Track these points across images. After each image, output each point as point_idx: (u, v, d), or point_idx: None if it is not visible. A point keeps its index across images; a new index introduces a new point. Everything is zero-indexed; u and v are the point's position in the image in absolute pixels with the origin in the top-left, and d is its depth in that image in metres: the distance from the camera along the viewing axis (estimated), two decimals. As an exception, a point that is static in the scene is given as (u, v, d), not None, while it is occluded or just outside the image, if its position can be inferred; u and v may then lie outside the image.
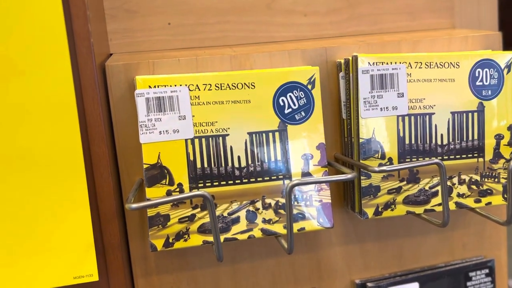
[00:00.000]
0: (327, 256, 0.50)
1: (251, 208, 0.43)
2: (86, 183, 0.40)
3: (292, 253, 0.49)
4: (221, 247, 0.38)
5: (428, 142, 0.46)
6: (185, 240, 0.42)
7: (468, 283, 0.53)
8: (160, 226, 0.41)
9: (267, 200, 0.43)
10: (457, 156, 0.47)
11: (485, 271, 0.54)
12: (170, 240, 0.42)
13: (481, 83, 0.47)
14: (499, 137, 0.48)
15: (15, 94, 0.37)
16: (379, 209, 0.45)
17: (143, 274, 0.46)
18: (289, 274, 0.50)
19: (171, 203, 0.41)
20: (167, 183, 0.41)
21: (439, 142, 0.46)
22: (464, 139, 0.47)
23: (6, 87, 0.37)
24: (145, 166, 0.41)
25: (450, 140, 0.47)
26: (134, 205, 0.35)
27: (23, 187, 0.38)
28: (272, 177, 0.43)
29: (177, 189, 0.41)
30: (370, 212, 0.45)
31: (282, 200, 0.44)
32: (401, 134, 0.45)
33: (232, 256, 0.48)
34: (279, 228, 0.44)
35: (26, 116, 0.38)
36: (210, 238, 0.42)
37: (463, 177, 0.47)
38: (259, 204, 0.43)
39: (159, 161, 0.41)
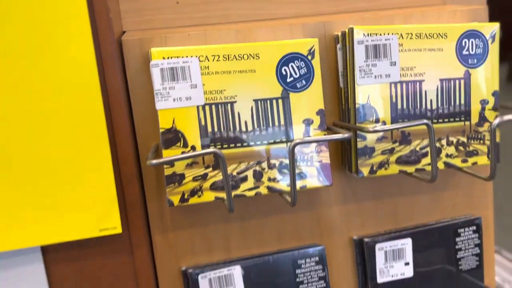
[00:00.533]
0: (327, 214, 0.55)
1: (257, 168, 0.47)
2: (109, 147, 0.44)
3: (295, 212, 0.54)
4: (232, 199, 0.43)
5: (418, 107, 0.50)
6: (199, 196, 0.46)
7: (457, 239, 0.58)
8: (176, 184, 0.46)
9: (272, 161, 0.48)
10: (445, 120, 0.51)
11: (473, 228, 0.58)
12: (185, 197, 0.46)
13: (467, 53, 0.51)
14: (484, 102, 0.52)
15: (43, 67, 0.41)
16: (374, 168, 0.50)
17: (160, 231, 0.51)
18: (293, 231, 0.54)
19: (186, 164, 0.46)
20: (181, 146, 0.46)
21: (428, 107, 0.50)
22: (452, 104, 0.51)
23: (35, 61, 0.41)
24: (161, 130, 0.45)
25: (439, 105, 0.51)
26: (154, 161, 0.40)
27: (57, 150, 0.42)
28: (276, 141, 0.48)
29: (191, 151, 0.46)
30: (365, 171, 0.50)
31: (286, 161, 0.48)
32: (394, 100, 0.50)
33: (241, 213, 0.52)
34: (283, 186, 0.48)
35: (55, 87, 0.42)
36: (221, 194, 0.47)
37: (451, 139, 0.51)
38: (264, 165, 0.48)
39: (173, 125, 0.46)
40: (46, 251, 0.45)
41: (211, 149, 0.41)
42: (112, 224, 0.44)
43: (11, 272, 0.45)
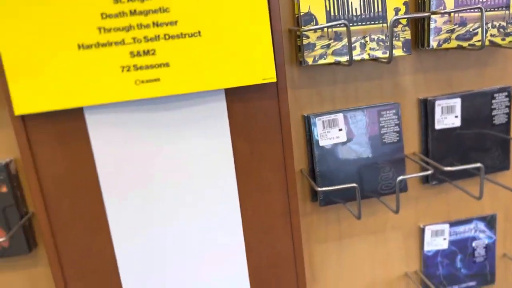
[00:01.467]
0: (402, 81, 0.78)
1: (362, 41, 0.70)
2: (268, 23, 0.67)
3: (380, 79, 0.77)
4: (352, 55, 0.66)
5: (473, -1, 0.72)
6: (324, 59, 0.70)
7: (493, 101, 0.81)
8: (310, 50, 0.69)
9: (372, 36, 0.71)
10: (491, 9, 0.72)
11: (505, 93, 0.81)
12: (316, 59, 0.70)
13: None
14: (520, -4, 0.73)
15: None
16: (440, 43, 0.72)
17: (291, 87, 0.75)
18: (378, 92, 0.78)
19: (316, 36, 0.69)
20: (314, 24, 0.69)
21: (481, -1, 0.72)
22: (497, -3, 0.72)
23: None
24: (301, 13, 0.68)
25: (488, -2, 0.72)
26: (306, 28, 0.63)
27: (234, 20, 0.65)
28: (376, 22, 0.70)
29: (320, 28, 0.69)
30: (435, 44, 0.72)
31: (382, 37, 0.71)
32: (457, -6, 0.71)
33: (343, 79, 0.76)
34: (379, 54, 0.71)
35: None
36: (339, 58, 0.70)
37: (494, 23, 0.73)
38: (367, 39, 0.71)
39: (309, 10, 0.68)
40: (227, 93, 0.70)
41: (341, 21, 0.64)
42: (270, 75, 0.68)
43: (200, 109, 0.70)
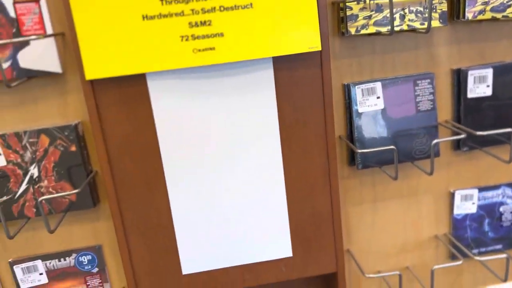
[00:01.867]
0: (437, 52, 0.83)
1: (401, 12, 0.75)
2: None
3: (417, 49, 0.82)
4: (393, 25, 0.71)
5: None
6: (366, 29, 0.75)
7: (524, 71, 0.85)
8: (353, 20, 0.75)
9: (411, 8, 0.75)
10: (526, -19, 0.76)
11: (536, 64, 0.85)
12: (358, 29, 0.75)
13: None
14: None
15: None
16: (475, 14, 0.77)
17: (332, 58, 0.81)
18: (413, 62, 0.83)
19: (359, 8, 0.74)
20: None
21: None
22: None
23: None
24: (345, -13, 0.73)
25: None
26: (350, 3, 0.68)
27: None
28: (414, -6, 0.75)
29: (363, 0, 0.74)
30: (470, 15, 0.77)
31: (420, 8, 0.75)
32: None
33: (383, 49, 0.81)
34: (417, 24, 0.76)
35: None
36: (379, 28, 0.75)
37: (528, -5, 0.77)
38: (406, 10, 0.75)
39: (353, -16, 0.73)
40: (275, 62, 0.76)
41: (384, -7, 0.69)
42: (316, 44, 0.74)
43: (250, 76, 0.76)
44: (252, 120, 0.78)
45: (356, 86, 0.81)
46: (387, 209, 0.91)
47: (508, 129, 0.75)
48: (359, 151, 0.76)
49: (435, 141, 0.76)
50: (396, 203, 0.91)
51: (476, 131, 0.77)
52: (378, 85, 0.82)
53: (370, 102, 0.82)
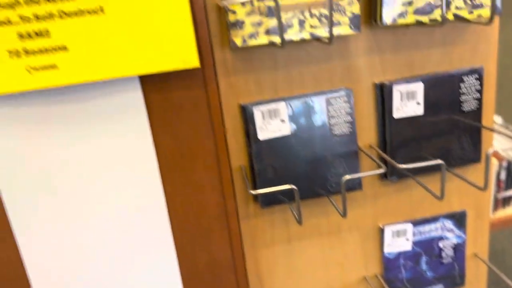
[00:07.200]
0: (355, 63, 0.68)
1: (301, 17, 0.60)
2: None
3: (329, 61, 0.67)
4: (283, 35, 0.55)
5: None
6: (255, 39, 0.59)
7: (461, 84, 0.70)
8: (238, 28, 0.59)
9: (313, 11, 0.60)
10: (456, -23, 0.61)
11: (475, 76, 0.71)
12: (246, 39, 0.59)
13: None
14: (491, -38, 0.61)
15: None
16: (395, 18, 0.61)
17: (224, 74, 0.65)
18: (327, 77, 0.68)
19: (246, 12, 0.58)
20: (242, -2, 0.58)
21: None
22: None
23: None
24: (226, -15, 0.57)
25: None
26: (227, 2, 0.52)
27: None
28: (316, -6, 0.59)
29: (249, 1, 0.58)
30: (388, 20, 0.61)
31: (324, 11, 0.60)
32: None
33: (286, 62, 0.66)
34: (321, 32, 0.60)
35: None
36: (273, 38, 0.59)
37: (460, -6, 0.62)
38: (307, 14, 0.60)
39: (235, -19, 0.57)
40: (144, 81, 0.60)
41: (269, -6, 0.53)
42: (192, 59, 0.58)
43: (111, 100, 0.60)
44: (119, 154, 0.62)
45: (255, 108, 0.66)
46: (305, 249, 0.76)
47: (438, 161, 0.60)
48: (252, 192, 0.61)
49: (346, 177, 0.61)
50: (316, 242, 0.76)
51: (400, 163, 0.62)
52: (282, 106, 0.66)
53: (273, 127, 0.67)
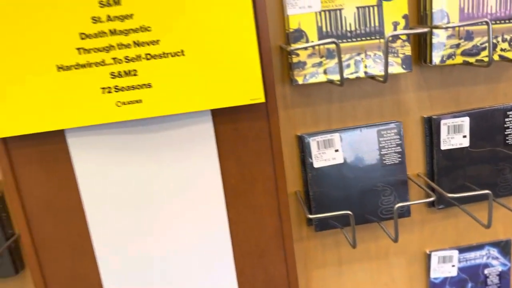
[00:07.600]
0: (405, 99, 0.73)
1: (357, 58, 0.66)
2: (256, 41, 0.63)
3: (380, 96, 0.72)
4: (342, 75, 0.62)
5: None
6: (316, 78, 0.66)
7: (506, 119, 0.74)
8: (300, 69, 0.65)
9: (368, 53, 0.66)
10: (503, 22, 0.66)
11: (520, 111, 0.75)
12: (307, 78, 0.66)
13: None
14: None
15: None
16: (444, 59, 0.67)
17: (283, 107, 0.71)
18: (378, 111, 0.73)
19: (307, 54, 0.65)
20: (304, 41, 0.65)
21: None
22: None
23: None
24: (290, 30, 0.64)
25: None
26: (293, 47, 0.59)
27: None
28: (372, 37, 0.66)
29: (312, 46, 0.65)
30: (437, 60, 0.67)
31: (378, 53, 0.66)
32: (461, 5, 0.65)
33: (340, 97, 0.72)
34: (375, 71, 0.66)
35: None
36: (331, 77, 0.66)
37: (505, 36, 0.67)
38: (362, 56, 0.66)
39: (299, 27, 0.64)
40: (214, 114, 0.67)
41: (330, 40, 0.60)
42: (258, 96, 0.65)
43: (186, 131, 0.68)
44: (191, 179, 0.69)
45: (311, 138, 0.72)
46: (355, 272, 0.80)
47: (485, 191, 0.64)
48: (310, 216, 0.66)
49: (398, 205, 0.65)
50: (365, 266, 0.80)
51: (449, 192, 0.67)
52: (336, 137, 0.72)
53: (327, 156, 0.72)
